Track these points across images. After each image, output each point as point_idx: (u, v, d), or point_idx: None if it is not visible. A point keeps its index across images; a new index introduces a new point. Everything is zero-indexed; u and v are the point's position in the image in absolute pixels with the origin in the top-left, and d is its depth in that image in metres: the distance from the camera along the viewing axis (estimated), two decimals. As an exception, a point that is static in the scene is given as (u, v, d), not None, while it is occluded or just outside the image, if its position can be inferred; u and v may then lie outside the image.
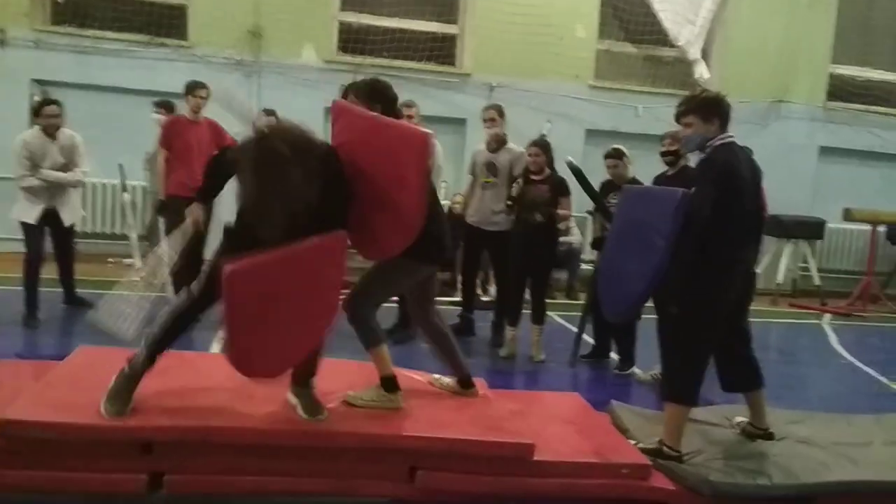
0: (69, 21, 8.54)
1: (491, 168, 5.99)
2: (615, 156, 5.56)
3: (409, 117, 5.88)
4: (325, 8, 8.93)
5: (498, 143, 6.01)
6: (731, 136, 3.53)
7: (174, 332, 3.13)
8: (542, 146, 5.69)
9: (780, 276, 9.23)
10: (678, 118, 3.61)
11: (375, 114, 3.36)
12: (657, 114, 9.00)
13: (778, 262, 9.27)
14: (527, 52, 9.10)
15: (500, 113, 6.08)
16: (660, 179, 5.16)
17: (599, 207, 5.38)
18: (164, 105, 7.21)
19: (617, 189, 5.34)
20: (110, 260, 7.85)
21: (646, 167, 5.65)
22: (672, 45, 9.46)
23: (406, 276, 3.53)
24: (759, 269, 8.73)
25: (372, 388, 3.42)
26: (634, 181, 5.42)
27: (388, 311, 6.08)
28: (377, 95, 3.51)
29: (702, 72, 9.41)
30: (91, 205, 8.28)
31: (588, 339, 5.76)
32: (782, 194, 9.35)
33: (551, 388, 4.71)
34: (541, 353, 5.67)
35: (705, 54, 9.60)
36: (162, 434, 2.90)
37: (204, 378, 3.44)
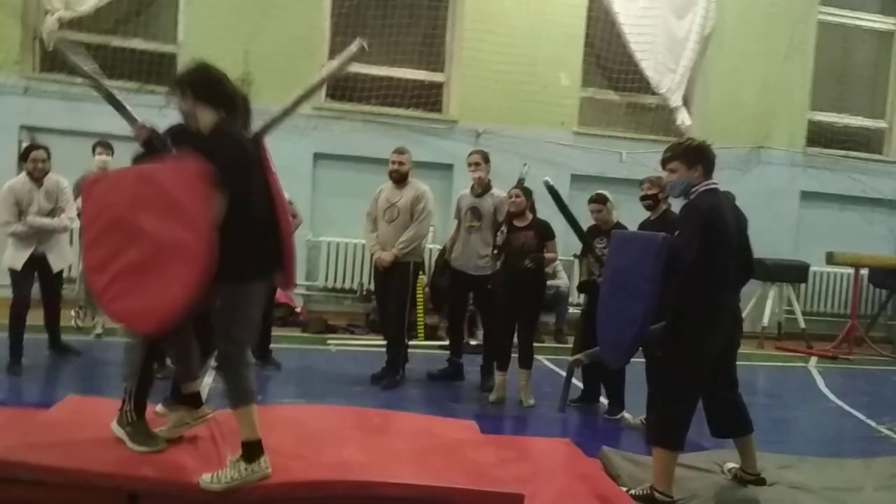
0: (59, 68, 8.59)
1: (475, 213, 6.05)
2: (599, 200, 5.63)
3: (401, 164, 5.97)
4: (315, 56, 9.06)
5: (482, 188, 6.09)
6: (714, 183, 3.60)
7: (146, 372, 3.16)
8: (523, 189, 5.76)
9: (766, 320, 9.29)
10: (664, 164, 3.68)
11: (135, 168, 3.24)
12: (641, 159, 9.15)
13: (763, 305, 9.33)
14: (512, 100, 9.25)
15: (485, 158, 6.17)
16: (644, 224, 5.23)
17: (575, 230, 5.36)
18: (105, 145, 6.80)
19: (601, 234, 5.41)
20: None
21: (631, 212, 5.72)
22: (654, 93, 9.65)
23: (254, 300, 3.04)
24: (744, 313, 8.86)
25: (230, 463, 2.96)
26: (619, 226, 5.49)
27: (377, 357, 6.10)
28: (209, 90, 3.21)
29: (683, 119, 9.59)
30: (79, 251, 8.23)
31: (577, 383, 5.75)
32: (766, 238, 9.47)
33: (541, 433, 4.68)
34: (530, 398, 5.64)
35: (686, 101, 9.79)
36: (146, 485, 2.85)
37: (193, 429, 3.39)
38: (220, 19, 8.61)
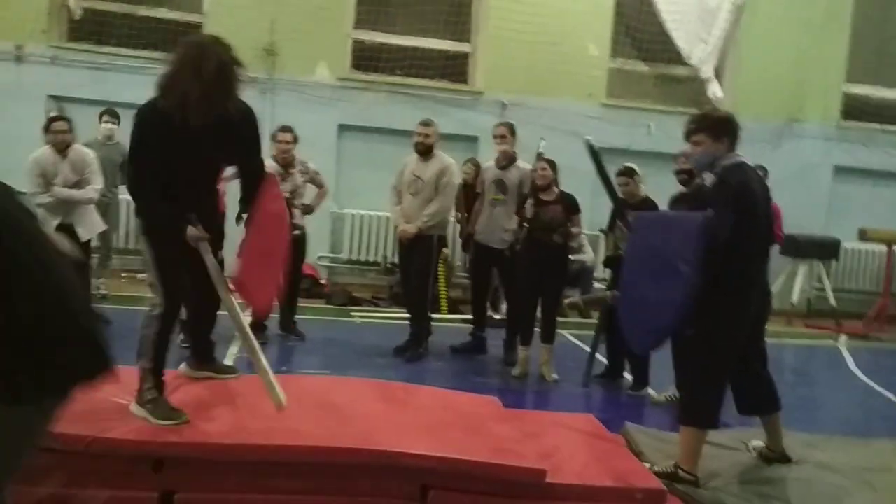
0: (86, 38, 8.63)
1: (500, 185, 5.99)
2: (626, 173, 5.53)
3: (426, 136, 5.91)
4: (340, 26, 8.99)
5: (507, 160, 6.02)
6: (741, 157, 3.51)
7: (161, 348, 3.18)
8: (549, 162, 5.68)
9: (795, 297, 9.14)
10: (687, 136, 3.60)
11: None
12: (669, 132, 8.92)
13: (793, 282, 9.18)
14: (539, 71, 9.11)
15: (511, 131, 6.10)
16: (676, 199, 5.11)
17: (611, 194, 5.22)
18: (111, 113, 6.93)
19: (628, 207, 5.31)
20: (124, 275, 7.88)
21: (658, 185, 5.62)
22: (685, 64, 9.45)
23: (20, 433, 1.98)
24: (773, 290, 8.74)
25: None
26: (647, 200, 5.40)
27: (401, 329, 6.10)
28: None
29: (714, 91, 9.39)
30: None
31: (601, 358, 5.72)
32: (797, 214, 9.30)
33: (564, 408, 4.65)
34: (553, 373, 5.62)
35: (718, 73, 9.59)
36: (172, 450, 2.88)
37: (217, 396, 3.42)
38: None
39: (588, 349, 5.71)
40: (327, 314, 7.67)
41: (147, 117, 3.14)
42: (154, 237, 3.23)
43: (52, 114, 6.38)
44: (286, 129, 6.09)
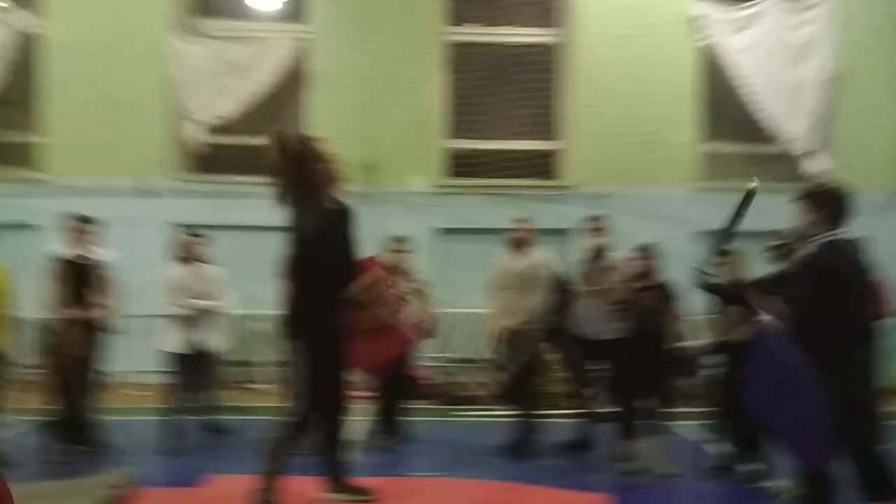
0: (206, 169, 9.45)
1: (594, 277, 6.04)
2: (723, 255, 5.50)
3: (520, 232, 6.11)
4: (433, 137, 9.49)
5: (600, 252, 6.09)
6: (840, 232, 3.47)
7: (284, 455, 3.35)
8: (647, 251, 5.73)
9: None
10: (794, 203, 3.61)
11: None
12: (765, 211, 8.77)
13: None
14: (629, 160, 9.24)
15: (603, 223, 6.20)
16: (781, 275, 5.01)
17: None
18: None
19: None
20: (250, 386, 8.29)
21: (760, 264, 5.54)
22: (778, 142, 9.36)
23: None
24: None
25: None
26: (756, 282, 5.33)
27: (507, 428, 6.09)
28: None
29: (812, 166, 9.21)
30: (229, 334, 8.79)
31: (715, 448, 5.52)
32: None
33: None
34: (666, 466, 5.46)
35: (817, 147, 9.42)
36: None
37: None
38: (344, 111, 9.21)
39: (701, 439, 5.53)
40: (433, 414, 7.75)
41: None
42: (320, 349, 3.44)
43: (182, 234, 6.85)
44: (399, 239, 6.42)
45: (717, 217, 9.04)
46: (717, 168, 9.62)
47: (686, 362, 7.89)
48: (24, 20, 9.10)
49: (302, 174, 3.51)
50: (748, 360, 3.81)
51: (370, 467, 5.38)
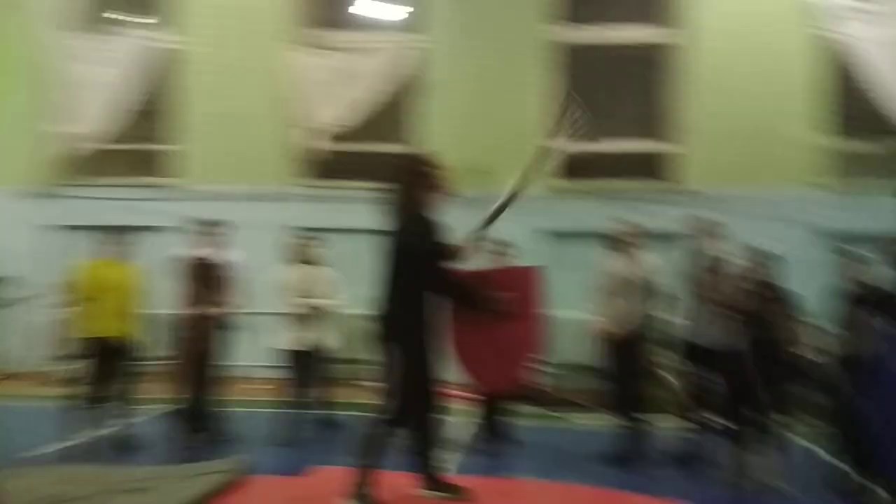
0: (323, 175, 9.83)
1: (708, 284, 5.81)
2: (850, 257, 5.20)
3: (627, 234, 6.00)
4: (545, 140, 9.41)
5: (714, 257, 5.86)
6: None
7: (378, 451, 3.45)
8: (764, 255, 5.48)
9: None
10: None
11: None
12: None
13: None
14: (749, 162, 8.88)
15: (716, 226, 5.97)
16: None
17: None
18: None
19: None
20: (360, 383, 8.55)
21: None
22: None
23: None
24: None
25: None
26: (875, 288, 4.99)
27: (617, 435, 5.97)
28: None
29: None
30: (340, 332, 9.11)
31: (837, 464, 5.19)
32: None
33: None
34: (780, 480, 5.18)
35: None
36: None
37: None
38: (457, 117, 9.35)
39: (821, 454, 5.22)
40: (538, 418, 7.71)
41: None
42: (412, 351, 3.57)
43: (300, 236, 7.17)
44: (506, 242, 6.46)
45: (842, 218, 8.61)
46: (841, 167, 9.03)
47: (806, 374, 7.49)
48: (162, 37, 9.82)
49: (411, 184, 3.66)
50: (873, 373, 3.57)
51: (470, 467, 5.46)
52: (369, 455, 3.51)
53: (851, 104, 8.97)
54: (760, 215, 8.59)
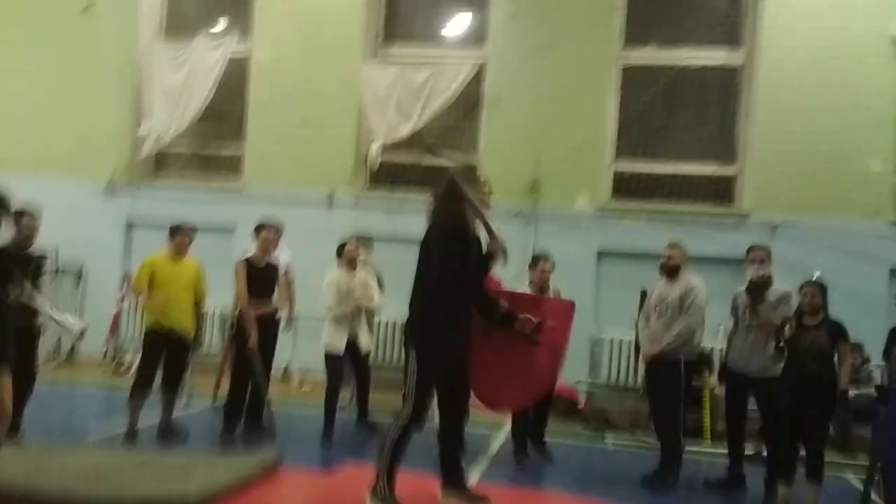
0: (385, 184, 10.05)
1: (756, 310, 5.73)
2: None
3: (670, 257, 5.97)
4: (600, 158, 9.44)
5: (763, 284, 5.77)
6: None
7: (398, 452, 3.57)
8: (818, 286, 5.37)
9: None
10: None
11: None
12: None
13: None
14: (813, 189, 8.63)
15: (768, 254, 5.87)
16: None
17: None
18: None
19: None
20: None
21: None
22: None
23: None
24: None
25: None
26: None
27: (656, 458, 5.90)
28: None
29: None
30: (388, 339, 9.28)
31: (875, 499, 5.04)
32: None
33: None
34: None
35: None
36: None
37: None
38: (514, 132, 9.44)
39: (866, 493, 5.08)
40: (581, 438, 7.69)
41: None
42: (426, 353, 3.71)
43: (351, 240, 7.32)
44: (545, 257, 6.50)
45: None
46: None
47: (854, 408, 7.26)
48: (234, 44, 10.25)
49: (448, 195, 3.80)
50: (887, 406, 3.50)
51: (498, 476, 5.52)
52: (389, 455, 3.63)
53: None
54: (822, 245, 8.39)
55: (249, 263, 6.48)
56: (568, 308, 4.78)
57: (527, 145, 9.38)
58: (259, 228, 6.70)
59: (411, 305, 3.83)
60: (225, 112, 10.51)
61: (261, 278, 6.47)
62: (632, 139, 9.54)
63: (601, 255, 9.26)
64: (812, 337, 5.25)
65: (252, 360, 6.28)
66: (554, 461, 6.34)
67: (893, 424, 3.21)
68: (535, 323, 3.97)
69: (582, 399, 8.81)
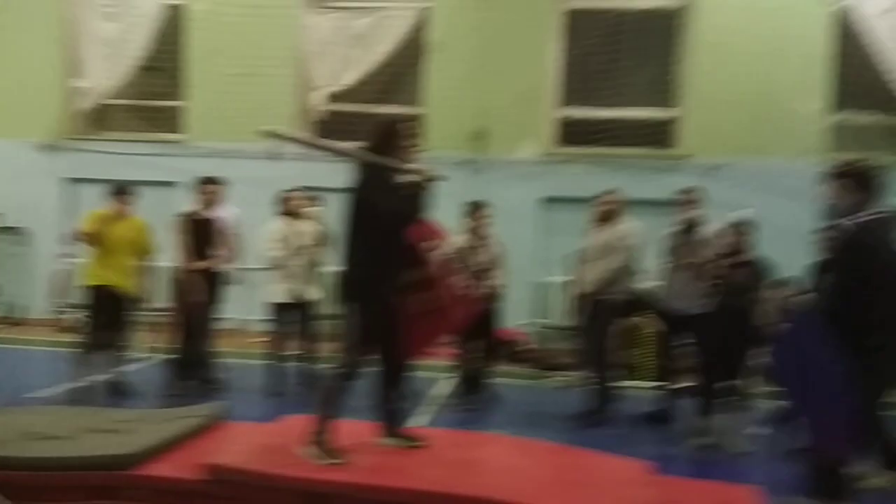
0: (327, 135, 9.94)
1: (684, 251, 5.92)
2: (830, 229, 5.25)
3: (604, 203, 6.12)
4: (544, 105, 9.49)
5: (691, 225, 5.96)
6: (879, 212, 3.33)
7: (336, 401, 3.67)
8: (740, 225, 5.57)
9: None
10: (827, 181, 3.51)
11: None
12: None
13: None
14: (750, 131, 8.84)
15: (695, 195, 6.05)
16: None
17: None
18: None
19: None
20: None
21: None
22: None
23: None
24: None
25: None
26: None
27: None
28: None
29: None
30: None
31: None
32: None
33: (749, 482, 4.37)
34: (741, 444, 5.35)
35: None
36: (320, 486, 3.35)
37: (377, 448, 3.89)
38: (459, 80, 9.41)
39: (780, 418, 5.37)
40: (526, 378, 7.92)
41: None
42: (365, 301, 3.78)
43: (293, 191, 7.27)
44: (483, 204, 6.58)
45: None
46: (848, 140, 8.96)
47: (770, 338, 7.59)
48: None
49: (378, 144, 3.81)
50: (779, 344, 3.73)
51: (443, 421, 5.70)
52: (327, 405, 3.72)
53: (860, 77, 8.87)
54: (759, 185, 8.62)
55: (191, 217, 6.45)
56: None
57: (471, 93, 9.38)
58: (200, 183, 6.65)
59: (345, 258, 3.88)
60: (164, 63, 10.26)
61: (203, 233, 6.46)
62: (575, 85, 9.60)
63: (547, 201, 9.38)
64: (739, 273, 5.46)
65: (197, 315, 6.30)
66: (500, 403, 6.53)
67: (791, 351, 3.43)
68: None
69: (528, 341, 9.03)
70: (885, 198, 3.49)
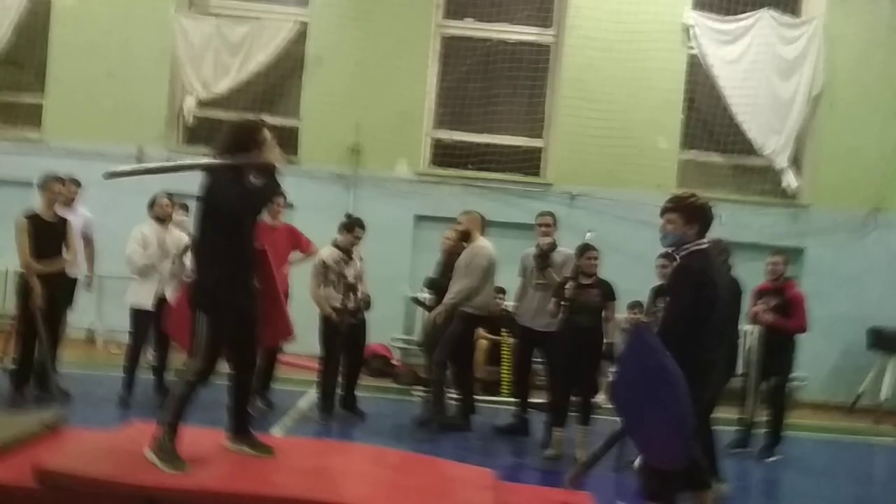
0: (199, 142, 9.76)
1: (541, 271, 6.25)
2: (666, 257, 5.70)
3: (458, 224, 6.40)
4: (418, 126, 9.72)
5: (547, 248, 6.31)
6: (706, 242, 3.70)
7: (183, 408, 3.65)
8: (591, 249, 5.93)
9: (884, 393, 8.61)
10: (662, 213, 3.83)
11: None
12: (742, 222, 8.94)
13: (882, 378, 8.68)
14: (608, 164, 9.37)
15: (551, 220, 6.42)
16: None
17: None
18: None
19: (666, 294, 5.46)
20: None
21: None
22: (759, 155, 9.45)
23: None
24: (861, 387, 8.36)
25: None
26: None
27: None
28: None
29: (790, 181, 9.32)
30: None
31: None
32: (886, 306, 8.90)
33: (589, 491, 4.61)
34: (588, 455, 5.65)
35: (797, 162, 9.51)
36: (163, 492, 3.31)
37: (224, 454, 3.86)
38: (336, 95, 9.48)
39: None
40: (393, 393, 8.03)
41: None
42: (213, 309, 3.75)
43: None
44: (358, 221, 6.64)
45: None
46: (695, 176, 9.73)
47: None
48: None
49: (228, 150, 3.79)
50: (620, 361, 4.04)
51: (306, 433, 5.70)
52: (174, 411, 3.68)
53: (710, 118, 9.67)
54: (613, 214, 9.19)
55: (34, 219, 6.13)
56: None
57: (348, 109, 9.46)
58: (47, 182, 6.32)
59: (195, 265, 3.86)
60: (24, 57, 9.74)
61: (48, 235, 6.15)
62: (450, 109, 9.90)
63: (418, 219, 9.58)
64: (587, 294, 5.82)
65: (38, 321, 5.99)
66: (362, 416, 6.58)
67: (628, 366, 3.71)
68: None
69: (395, 356, 9.16)
70: (713, 229, 3.84)
